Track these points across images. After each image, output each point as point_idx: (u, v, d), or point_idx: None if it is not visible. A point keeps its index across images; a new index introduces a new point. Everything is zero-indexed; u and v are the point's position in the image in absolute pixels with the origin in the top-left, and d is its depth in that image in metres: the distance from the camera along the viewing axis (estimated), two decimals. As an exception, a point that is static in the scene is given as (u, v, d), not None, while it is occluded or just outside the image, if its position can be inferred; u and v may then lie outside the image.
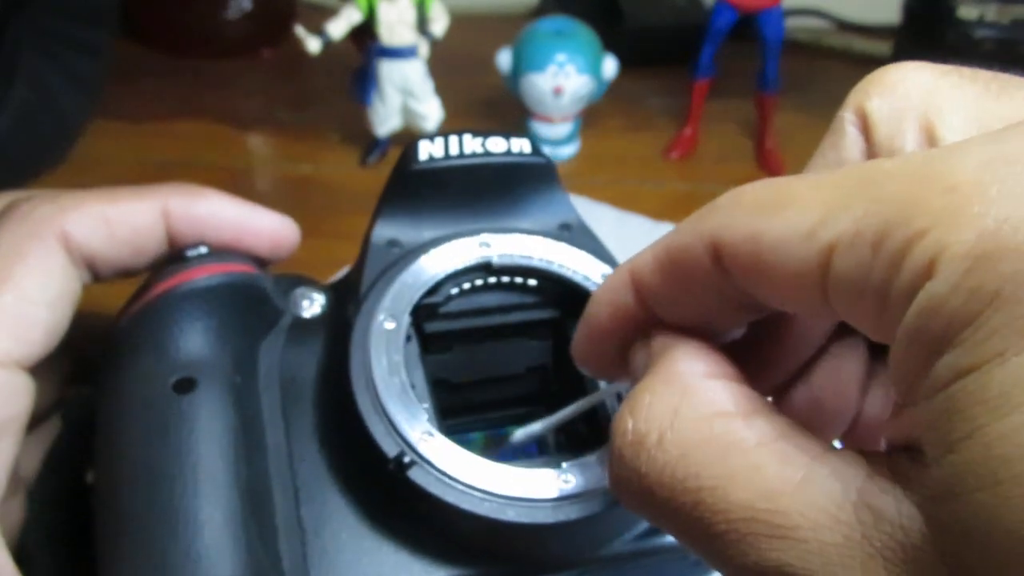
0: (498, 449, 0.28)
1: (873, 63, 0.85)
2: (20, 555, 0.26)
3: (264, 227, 0.31)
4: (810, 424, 0.24)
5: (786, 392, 0.24)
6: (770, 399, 0.24)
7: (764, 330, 0.22)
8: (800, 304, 0.17)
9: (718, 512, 0.17)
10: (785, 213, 0.17)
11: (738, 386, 0.19)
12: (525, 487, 0.24)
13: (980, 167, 0.14)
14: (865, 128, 0.20)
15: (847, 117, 0.21)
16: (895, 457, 0.16)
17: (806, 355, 0.24)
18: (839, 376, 0.24)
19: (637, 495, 0.18)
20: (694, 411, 0.18)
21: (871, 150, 0.20)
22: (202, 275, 0.27)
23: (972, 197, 0.14)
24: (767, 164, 0.68)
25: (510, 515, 0.24)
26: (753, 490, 0.16)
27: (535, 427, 0.27)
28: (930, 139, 0.19)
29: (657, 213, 0.62)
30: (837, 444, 0.24)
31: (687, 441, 0.18)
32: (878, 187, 0.16)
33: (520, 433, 0.27)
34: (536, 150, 0.31)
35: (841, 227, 0.16)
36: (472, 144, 0.30)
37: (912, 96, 0.20)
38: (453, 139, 0.30)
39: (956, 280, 0.14)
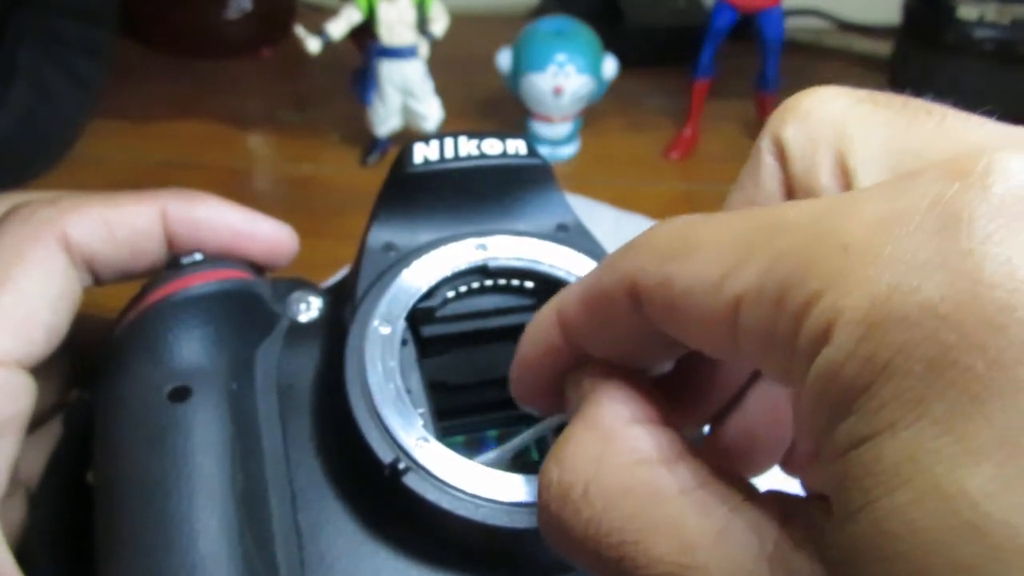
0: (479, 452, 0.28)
1: (873, 63, 0.85)
2: (21, 556, 0.27)
3: (262, 233, 0.31)
4: (747, 452, 0.24)
5: (722, 421, 0.24)
6: (706, 429, 0.24)
7: (695, 363, 0.22)
8: (715, 349, 0.17)
9: (640, 567, 0.17)
10: (693, 260, 0.17)
11: (661, 430, 0.18)
12: (520, 492, 0.24)
13: (873, 225, 0.14)
14: (782, 158, 0.20)
15: (764, 146, 0.20)
16: (811, 505, 0.16)
17: (737, 385, 0.24)
18: (772, 405, 0.24)
19: (565, 547, 0.18)
20: (617, 459, 0.18)
21: (788, 181, 0.20)
22: (197, 283, 0.27)
23: (865, 258, 0.14)
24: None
25: (505, 520, 0.24)
26: (673, 544, 0.16)
27: (492, 454, 0.26)
28: (843, 172, 0.19)
29: (657, 213, 0.62)
30: (777, 469, 0.25)
31: (610, 491, 0.17)
32: (779, 240, 0.15)
33: (480, 459, 0.26)
34: (532, 151, 0.31)
35: (746, 281, 0.16)
36: (467, 146, 0.30)
37: (825, 125, 0.19)
38: (448, 141, 0.30)
39: (850, 348, 0.14)
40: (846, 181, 0.19)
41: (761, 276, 0.15)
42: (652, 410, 0.19)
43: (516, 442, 0.26)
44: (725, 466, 0.18)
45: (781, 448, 0.25)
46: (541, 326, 0.21)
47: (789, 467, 0.25)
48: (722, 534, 0.16)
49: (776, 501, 0.17)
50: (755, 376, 0.24)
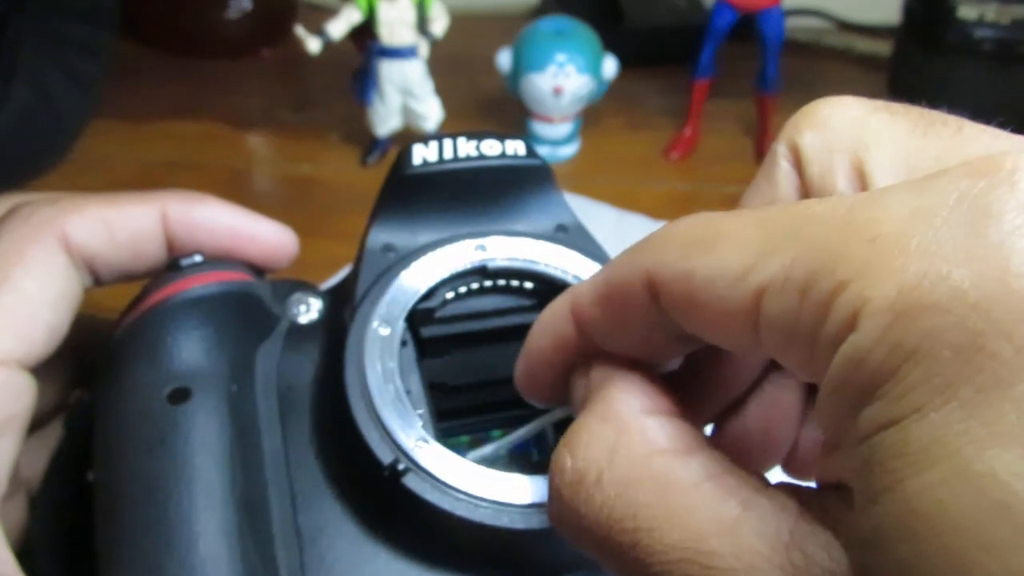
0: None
1: (873, 63, 0.85)
2: (21, 556, 0.27)
3: (262, 235, 0.31)
4: (749, 452, 0.24)
5: (726, 421, 0.24)
6: (710, 427, 0.25)
7: (702, 361, 0.23)
8: (733, 342, 0.18)
9: (654, 553, 0.17)
10: (716, 252, 0.17)
11: (675, 422, 0.19)
12: (520, 493, 0.24)
13: (901, 219, 0.15)
14: (798, 163, 0.20)
15: (780, 151, 0.21)
16: (826, 496, 0.16)
17: (744, 385, 0.24)
18: (777, 406, 0.24)
19: (576, 533, 0.19)
20: (631, 449, 0.18)
21: (804, 186, 0.20)
22: (196, 284, 0.27)
23: (893, 250, 0.14)
24: (767, 164, 0.68)
25: (505, 521, 0.24)
26: (688, 531, 0.16)
27: (487, 449, 0.27)
28: (860, 177, 0.19)
29: (657, 213, 0.62)
30: (779, 470, 0.25)
31: (625, 480, 0.18)
32: (806, 232, 0.16)
33: (473, 455, 0.27)
34: (531, 152, 0.31)
35: (770, 272, 0.16)
36: (466, 147, 0.30)
37: (842, 132, 0.20)
38: (447, 142, 0.30)
39: (877, 335, 0.14)
40: (863, 185, 0.19)
41: (787, 267, 0.16)
42: (665, 402, 0.19)
43: (511, 438, 0.26)
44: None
45: (783, 449, 0.25)
46: (554, 318, 0.21)
47: (791, 468, 0.25)
48: (738, 522, 0.16)
49: (792, 491, 0.17)
50: (760, 377, 0.24)
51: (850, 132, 0.20)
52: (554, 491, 0.19)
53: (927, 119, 0.19)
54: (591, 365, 0.21)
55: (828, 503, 0.16)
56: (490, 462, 0.25)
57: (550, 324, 0.22)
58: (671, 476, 0.17)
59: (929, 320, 0.14)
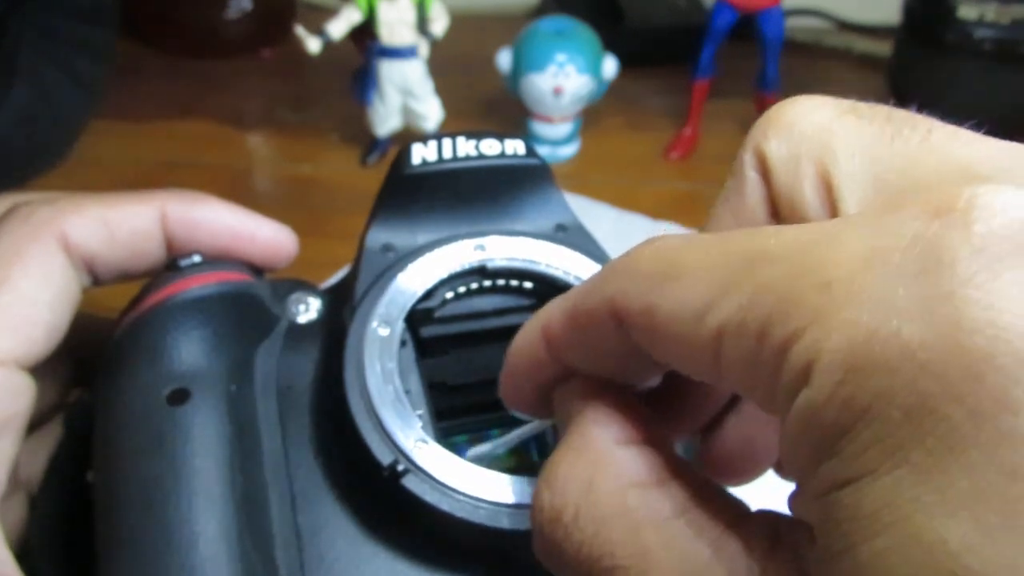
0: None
1: (873, 63, 0.85)
2: (21, 556, 0.27)
3: (261, 235, 0.31)
4: (737, 461, 0.24)
5: (712, 432, 0.24)
6: (698, 438, 0.24)
7: (682, 376, 0.23)
8: (699, 375, 0.17)
9: None
10: (676, 287, 0.17)
11: (649, 451, 0.18)
12: (519, 494, 0.24)
13: (854, 262, 0.14)
14: (764, 172, 0.20)
15: (747, 160, 0.20)
16: (798, 533, 0.16)
17: (727, 396, 0.24)
18: (762, 414, 0.24)
19: (560, 569, 0.18)
20: (608, 483, 0.18)
21: (772, 196, 0.20)
22: (195, 285, 0.27)
23: (844, 299, 0.14)
24: (767, 164, 0.68)
25: (504, 522, 0.24)
26: (664, 569, 0.16)
27: (485, 447, 0.26)
28: (826, 187, 0.19)
29: (657, 213, 0.62)
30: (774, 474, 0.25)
31: (602, 516, 0.17)
32: (760, 272, 0.15)
33: (472, 452, 0.27)
34: (531, 151, 0.31)
35: (727, 313, 0.15)
36: (466, 147, 0.30)
37: (808, 139, 0.19)
38: (447, 142, 0.30)
39: (829, 391, 0.14)
40: (829, 196, 0.19)
41: (743, 309, 0.15)
42: (639, 429, 0.19)
43: (508, 439, 0.26)
44: (716, 479, 0.18)
45: (772, 455, 0.24)
46: (527, 340, 0.21)
47: (783, 472, 0.25)
48: (709, 561, 0.16)
49: (766, 523, 0.16)
50: None
51: (816, 138, 0.19)
52: (536, 527, 0.19)
53: (895, 123, 0.18)
54: (567, 389, 0.20)
55: (799, 541, 0.15)
56: (488, 461, 0.25)
57: (524, 346, 0.21)
58: (648, 510, 0.17)
59: (879, 379, 0.13)
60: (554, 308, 0.20)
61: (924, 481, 0.13)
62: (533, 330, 0.21)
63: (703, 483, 0.18)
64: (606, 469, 0.18)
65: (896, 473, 0.13)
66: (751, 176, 0.20)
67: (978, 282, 0.13)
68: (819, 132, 0.19)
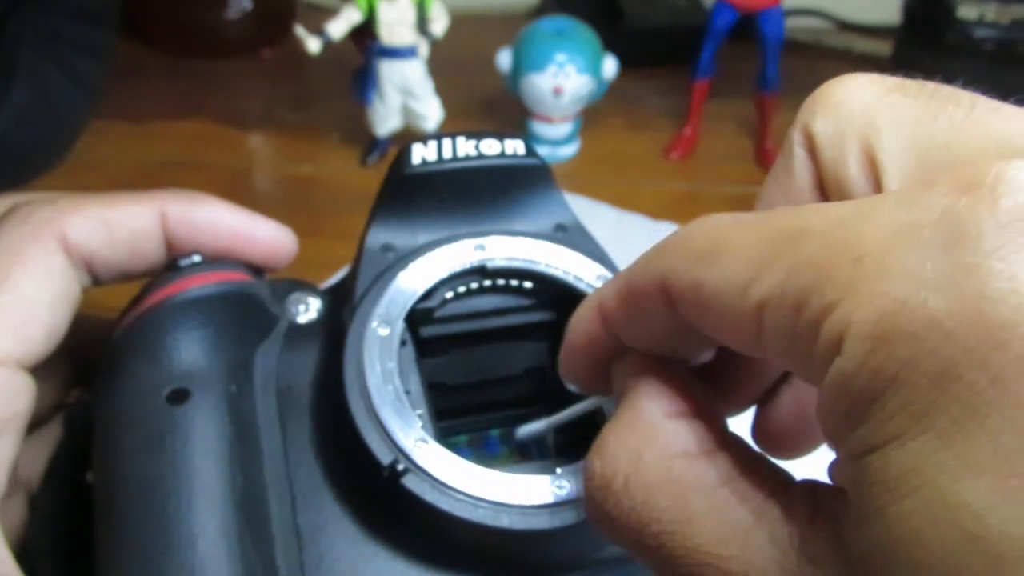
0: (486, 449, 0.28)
1: (873, 63, 0.85)
2: (21, 556, 0.27)
3: (261, 235, 0.31)
4: (791, 433, 0.24)
5: (764, 405, 0.24)
6: (754, 408, 0.25)
7: (735, 351, 0.23)
8: (744, 348, 0.18)
9: (678, 556, 0.17)
10: (722, 263, 0.17)
11: (697, 424, 0.19)
12: (519, 493, 0.24)
13: (886, 237, 0.15)
14: (812, 150, 0.20)
15: (795, 139, 0.21)
16: (837, 501, 0.16)
17: (779, 370, 0.24)
18: (812, 388, 0.24)
19: (611, 534, 0.19)
20: (655, 453, 0.19)
21: (819, 172, 0.20)
22: (195, 285, 0.27)
23: (876, 272, 0.14)
24: (767, 164, 0.68)
25: (504, 522, 0.24)
26: (707, 536, 0.17)
27: (538, 425, 0.27)
28: (871, 164, 0.19)
29: (657, 213, 0.62)
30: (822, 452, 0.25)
31: (649, 484, 0.18)
32: (799, 248, 0.16)
33: (523, 430, 0.27)
34: (530, 151, 0.31)
35: (767, 286, 0.16)
36: (466, 147, 0.30)
37: (854, 117, 0.20)
38: (446, 142, 0.30)
39: (860, 360, 0.14)
40: (874, 173, 0.19)
41: (782, 283, 0.16)
42: (690, 402, 0.20)
43: (562, 416, 0.26)
44: (769, 453, 0.18)
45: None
46: (583, 317, 0.22)
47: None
48: (755, 526, 0.17)
49: (807, 493, 0.17)
50: None
51: (862, 116, 0.20)
52: (587, 494, 0.20)
53: (939, 99, 0.19)
54: (623, 364, 0.21)
55: (837, 507, 0.16)
56: (535, 442, 0.25)
57: (581, 322, 0.22)
58: (691, 479, 0.18)
59: (907, 348, 0.14)
60: (608, 286, 0.21)
61: (948, 446, 0.13)
62: (589, 307, 0.22)
63: (750, 455, 0.18)
64: (654, 440, 0.19)
65: (922, 438, 0.13)
66: (799, 154, 0.21)
67: (1003, 254, 0.13)
68: (865, 110, 0.20)
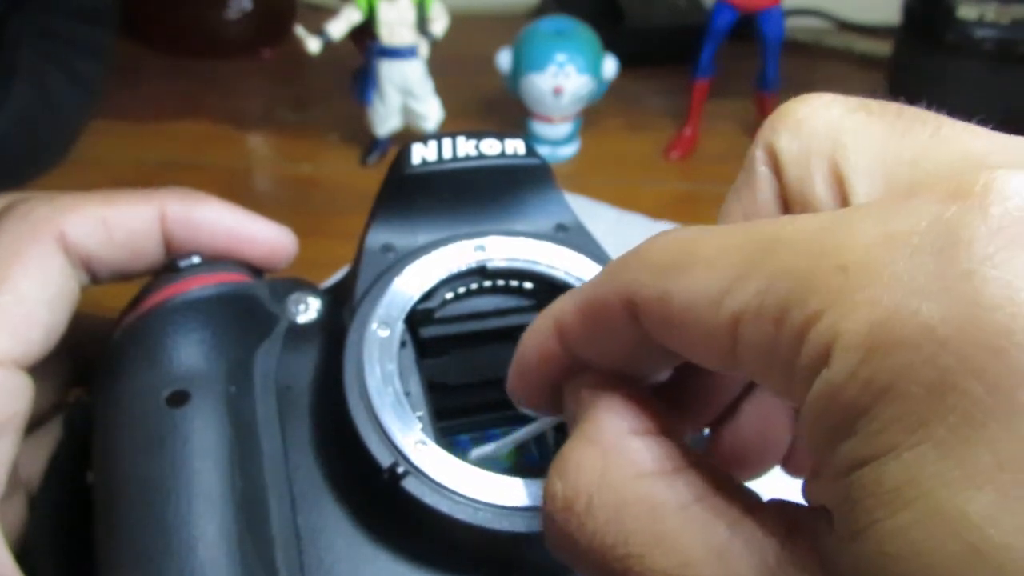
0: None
1: (873, 63, 0.85)
2: (21, 556, 0.27)
3: (261, 236, 0.31)
4: (747, 455, 0.24)
5: (721, 425, 0.24)
6: (707, 432, 0.24)
7: (692, 369, 0.22)
8: (715, 364, 0.17)
9: None
10: (692, 275, 0.17)
11: (662, 441, 0.19)
12: (519, 496, 0.24)
13: (872, 245, 0.14)
14: (776, 167, 0.20)
15: (758, 156, 0.20)
16: (814, 518, 0.16)
17: (737, 390, 0.24)
18: (772, 408, 0.24)
19: (572, 559, 0.18)
20: (622, 472, 0.18)
21: (783, 191, 0.20)
22: (194, 286, 0.27)
23: (863, 280, 0.14)
24: (767, 164, 0.68)
25: (504, 524, 0.24)
26: (678, 557, 0.16)
27: (489, 448, 0.26)
28: (838, 182, 0.19)
29: (657, 213, 0.62)
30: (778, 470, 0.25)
31: (613, 505, 0.17)
32: (778, 257, 0.15)
33: (475, 453, 0.27)
34: (531, 151, 0.31)
35: (745, 298, 0.16)
36: (466, 147, 0.30)
37: (819, 135, 0.19)
38: (447, 142, 0.30)
39: (850, 371, 0.14)
40: (841, 191, 0.19)
41: (760, 294, 0.15)
42: (652, 421, 0.19)
43: (512, 438, 0.26)
44: (726, 472, 0.18)
45: (781, 450, 0.25)
46: (538, 333, 0.21)
47: (790, 468, 0.25)
48: (724, 550, 0.16)
49: (779, 512, 0.17)
50: (753, 384, 0.24)
51: (827, 135, 0.19)
52: (547, 516, 0.19)
53: (905, 119, 0.19)
54: (579, 382, 0.21)
55: (817, 526, 0.16)
56: (491, 462, 0.25)
57: (536, 339, 0.21)
58: (659, 499, 0.17)
59: (900, 357, 0.13)
60: (566, 301, 0.20)
61: (946, 456, 0.13)
62: (544, 324, 0.21)
63: (716, 473, 0.18)
64: (620, 458, 0.18)
65: (918, 449, 0.13)
66: (762, 171, 0.20)
67: (996, 261, 0.13)
68: (830, 128, 0.19)
